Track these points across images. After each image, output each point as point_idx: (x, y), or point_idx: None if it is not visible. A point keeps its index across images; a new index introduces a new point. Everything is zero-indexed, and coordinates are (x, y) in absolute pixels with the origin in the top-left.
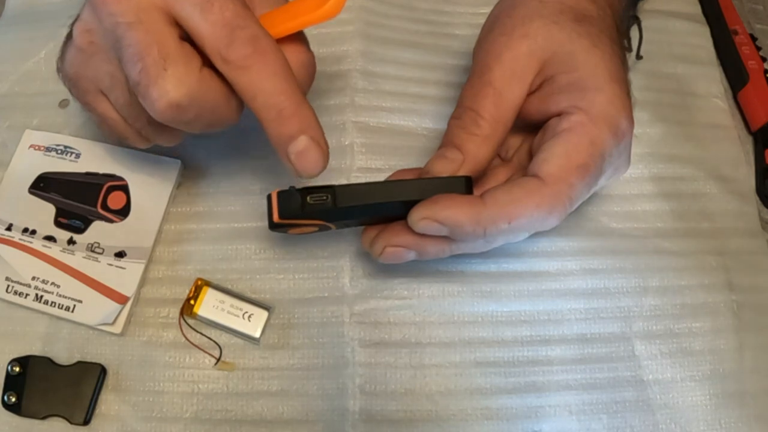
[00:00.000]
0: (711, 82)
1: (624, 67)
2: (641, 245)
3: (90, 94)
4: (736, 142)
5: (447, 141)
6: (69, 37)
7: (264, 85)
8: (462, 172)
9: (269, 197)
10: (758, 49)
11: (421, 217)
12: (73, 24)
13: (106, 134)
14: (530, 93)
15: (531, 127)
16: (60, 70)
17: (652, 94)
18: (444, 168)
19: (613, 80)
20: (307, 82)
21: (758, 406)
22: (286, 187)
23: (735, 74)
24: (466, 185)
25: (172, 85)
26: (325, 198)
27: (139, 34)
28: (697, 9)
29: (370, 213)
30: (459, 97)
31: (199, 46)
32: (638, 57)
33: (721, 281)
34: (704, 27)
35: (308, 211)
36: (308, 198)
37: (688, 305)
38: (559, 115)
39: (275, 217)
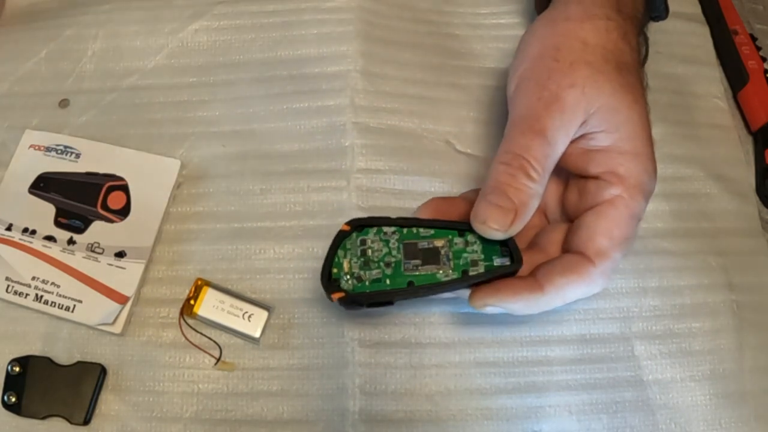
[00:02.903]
0: (711, 82)
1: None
2: (641, 245)
3: None
4: (736, 142)
5: (495, 188)
6: None
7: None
8: (518, 224)
9: (329, 296)
10: (758, 49)
11: (484, 304)
12: None
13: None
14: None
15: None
16: None
17: (652, 94)
18: (499, 219)
19: (647, 142)
20: None
21: (758, 406)
22: (346, 288)
23: (735, 74)
24: (511, 262)
25: None
26: (384, 304)
27: None
28: (697, 9)
29: None
30: (505, 141)
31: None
32: (642, 65)
33: (721, 281)
34: (704, 27)
35: (368, 307)
36: (366, 303)
37: (688, 305)
38: (596, 177)
39: (334, 301)
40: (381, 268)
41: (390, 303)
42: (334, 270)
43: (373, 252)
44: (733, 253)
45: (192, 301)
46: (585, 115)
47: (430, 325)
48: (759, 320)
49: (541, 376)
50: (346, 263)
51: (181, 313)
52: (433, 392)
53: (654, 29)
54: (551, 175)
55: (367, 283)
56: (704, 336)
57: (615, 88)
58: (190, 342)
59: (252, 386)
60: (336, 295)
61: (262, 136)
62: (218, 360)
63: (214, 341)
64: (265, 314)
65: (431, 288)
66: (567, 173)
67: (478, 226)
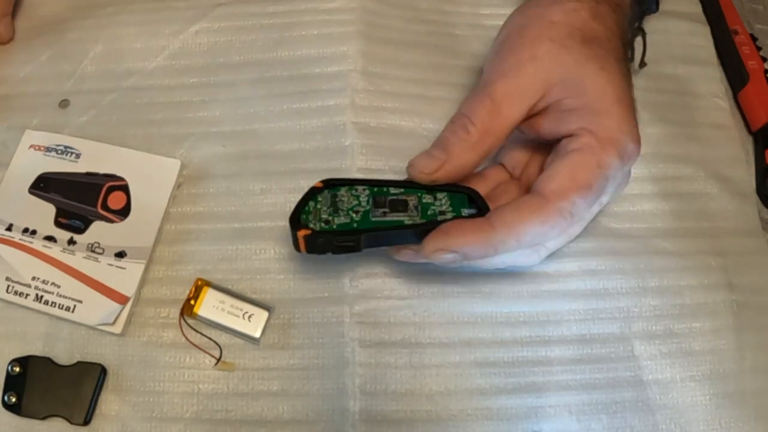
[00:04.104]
0: (711, 82)
1: (630, 87)
2: (641, 245)
3: None
4: (736, 142)
5: (437, 141)
6: None
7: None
8: (442, 172)
9: (295, 236)
10: (758, 49)
11: (434, 249)
12: None
13: None
14: (537, 114)
15: (540, 145)
16: None
17: (653, 94)
18: (425, 164)
19: (620, 103)
20: None
21: (758, 406)
22: (313, 226)
23: (735, 74)
24: (479, 213)
25: None
26: (351, 244)
27: None
28: (698, 9)
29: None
30: (459, 106)
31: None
32: (641, 65)
33: (720, 281)
34: (704, 27)
35: (334, 251)
36: (335, 241)
37: (688, 305)
38: (569, 136)
39: (302, 249)
40: (350, 215)
41: (357, 249)
42: (303, 216)
43: (343, 204)
44: (733, 253)
45: (192, 301)
46: (545, 87)
47: (430, 325)
48: (759, 320)
49: (541, 377)
50: (315, 211)
51: (182, 313)
52: (434, 392)
53: (654, 29)
54: (537, 151)
55: (334, 226)
56: (704, 336)
57: (578, 60)
58: (191, 342)
59: (252, 386)
60: (302, 232)
61: (263, 136)
62: (218, 360)
63: (215, 341)
64: (265, 314)
65: (397, 232)
66: (550, 146)
67: (408, 171)
